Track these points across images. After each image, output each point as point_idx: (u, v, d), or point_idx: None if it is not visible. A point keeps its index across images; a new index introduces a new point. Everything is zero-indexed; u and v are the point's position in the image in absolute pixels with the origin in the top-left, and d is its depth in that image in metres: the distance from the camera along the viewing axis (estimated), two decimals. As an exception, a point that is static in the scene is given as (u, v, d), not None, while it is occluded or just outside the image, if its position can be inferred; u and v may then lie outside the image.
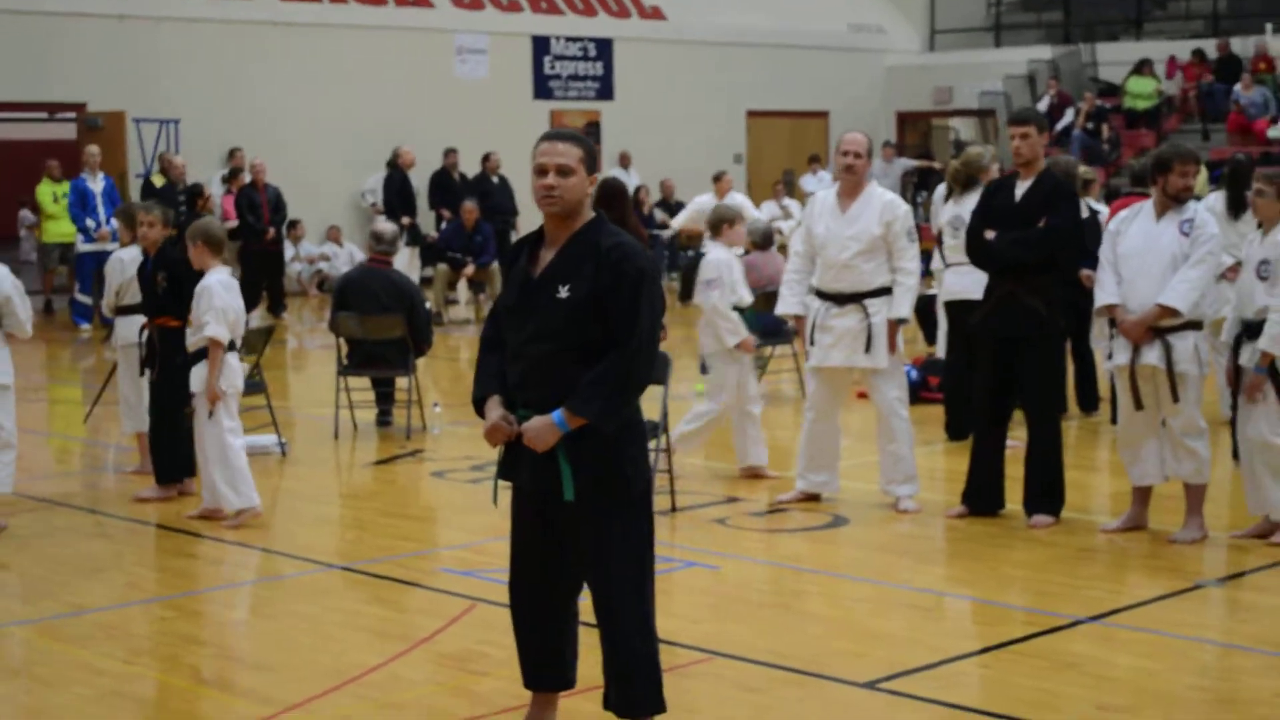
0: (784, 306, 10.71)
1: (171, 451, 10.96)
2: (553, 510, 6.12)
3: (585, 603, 6.29)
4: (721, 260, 11.47)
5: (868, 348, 10.30)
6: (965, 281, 11.79)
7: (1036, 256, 9.89)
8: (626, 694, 6.14)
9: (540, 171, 6.03)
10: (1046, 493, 10.04)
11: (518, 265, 6.17)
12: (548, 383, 6.00)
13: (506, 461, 6.20)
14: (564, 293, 5.96)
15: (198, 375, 10.25)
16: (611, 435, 5.98)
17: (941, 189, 12.84)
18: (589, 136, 6.22)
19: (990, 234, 10.00)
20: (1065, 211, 9.95)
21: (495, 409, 6.12)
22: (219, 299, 10.17)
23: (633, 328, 5.92)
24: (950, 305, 12.46)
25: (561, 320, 5.97)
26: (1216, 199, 12.74)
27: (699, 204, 26.30)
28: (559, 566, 6.24)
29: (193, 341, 10.30)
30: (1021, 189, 10.02)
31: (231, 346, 10.29)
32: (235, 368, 10.34)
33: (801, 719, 6.76)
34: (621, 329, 5.93)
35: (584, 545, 6.10)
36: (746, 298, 11.64)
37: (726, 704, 6.94)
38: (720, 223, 11.63)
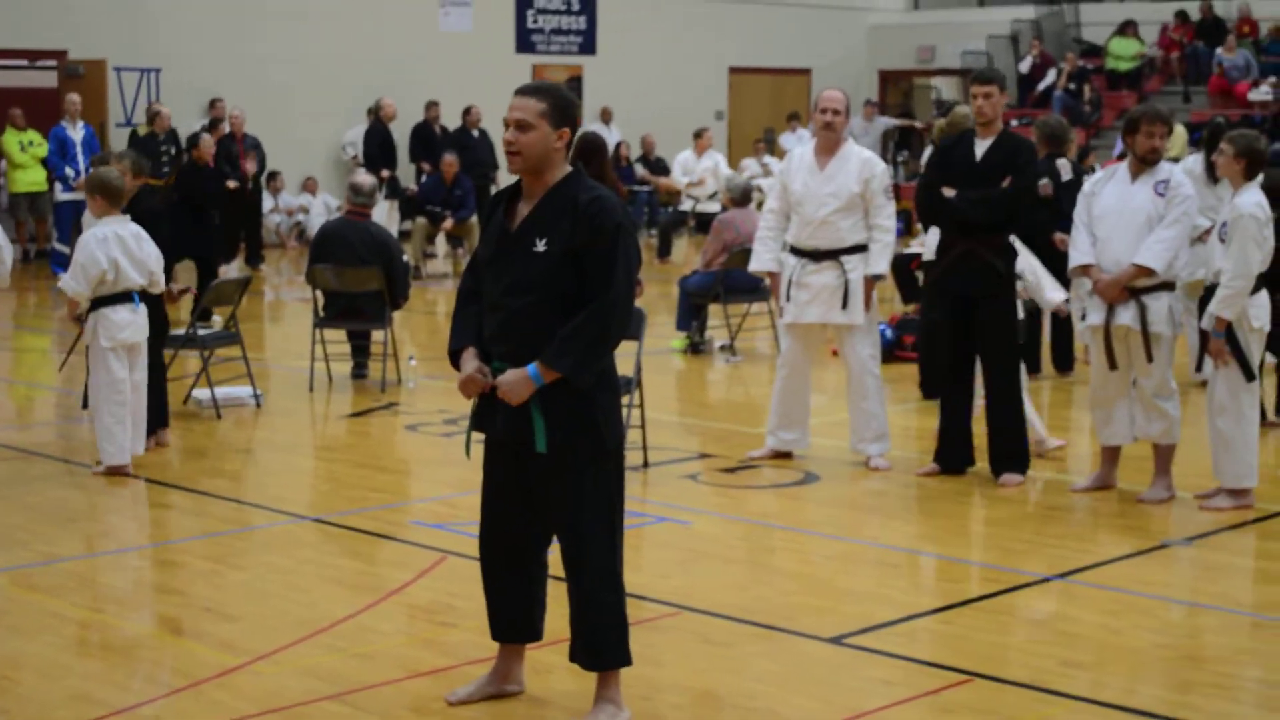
0: (758, 263, 10.73)
1: (154, 397, 10.94)
2: (524, 462, 6.14)
3: (554, 556, 6.33)
4: None
5: (844, 304, 10.33)
6: None
7: (1000, 217, 9.92)
8: (592, 646, 6.17)
9: (505, 125, 6.07)
10: (1011, 452, 10.08)
11: (495, 218, 6.18)
12: (523, 335, 6.01)
13: (480, 413, 6.22)
14: (541, 246, 5.97)
15: (87, 326, 10.30)
16: (585, 389, 6.01)
17: (930, 151, 12.85)
18: (569, 90, 6.17)
19: (949, 191, 10.02)
20: (1029, 173, 9.98)
21: (470, 361, 6.14)
22: (82, 253, 10.19)
23: (609, 282, 5.94)
24: (930, 265, 12.43)
25: (538, 273, 5.98)
26: (1195, 161, 12.77)
27: (683, 162, 26.34)
28: (529, 519, 6.25)
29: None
30: (982, 148, 10.03)
31: (124, 299, 10.29)
32: (120, 322, 10.29)
33: (768, 673, 6.80)
34: (597, 283, 5.94)
35: (555, 497, 6.12)
36: None
37: (694, 658, 6.98)
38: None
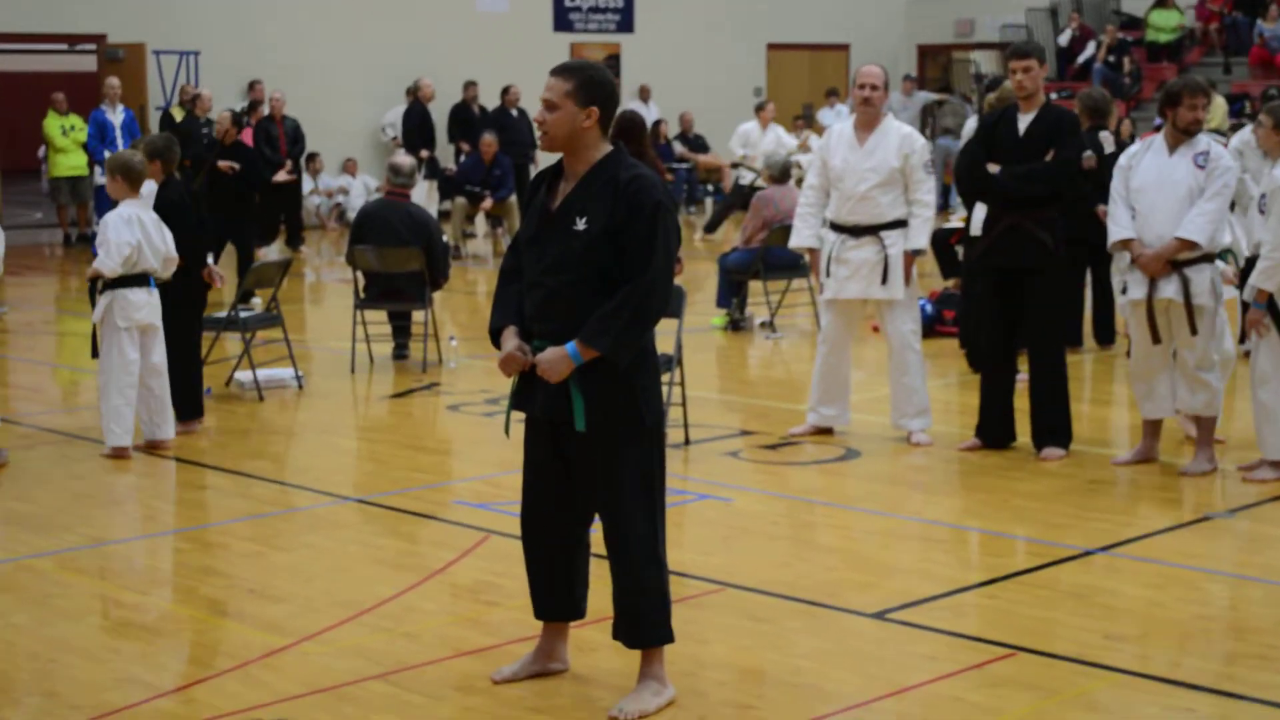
0: (798, 239, 10.73)
1: (187, 387, 11.00)
2: (565, 440, 6.16)
3: (596, 534, 6.35)
4: None
5: (884, 279, 10.32)
6: None
7: (1046, 190, 9.89)
8: (635, 623, 6.19)
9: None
10: (1054, 427, 10.07)
11: (537, 197, 6.19)
12: (564, 314, 6.02)
13: (520, 392, 6.23)
14: (581, 224, 5.98)
15: (100, 306, 10.34)
16: (627, 368, 6.02)
17: (971, 123, 12.79)
18: (605, 68, 6.18)
19: (994, 167, 10.00)
20: (1072, 145, 9.95)
21: (511, 339, 6.15)
22: (113, 231, 10.25)
23: (648, 260, 5.94)
24: (974, 239, 12.38)
25: (578, 252, 5.99)
26: (1248, 132, 12.73)
27: (745, 133, 26.00)
28: (570, 497, 6.27)
29: (88, 271, 10.40)
30: (1024, 122, 10.01)
31: (141, 280, 10.35)
32: (137, 302, 10.37)
33: (812, 649, 6.81)
34: (637, 262, 5.94)
35: (596, 476, 6.14)
36: None
37: (737, 634, 7.00)
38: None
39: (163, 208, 10.68)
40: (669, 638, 6.23)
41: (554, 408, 6.09)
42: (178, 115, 22.39)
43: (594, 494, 6.20)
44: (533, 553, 6.41)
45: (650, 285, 5.94)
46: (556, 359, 5.98)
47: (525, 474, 6.36)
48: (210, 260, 11.32)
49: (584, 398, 6.02)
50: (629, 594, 6.17)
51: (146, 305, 10.39)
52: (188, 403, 11.04)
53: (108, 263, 10.22)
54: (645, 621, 6.17)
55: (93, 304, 10.50)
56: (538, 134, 6.10)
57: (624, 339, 5.94)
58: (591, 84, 6.02)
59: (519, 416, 6.35)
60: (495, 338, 6.26)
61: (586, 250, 5.98)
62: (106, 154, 21.75)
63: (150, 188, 10.87)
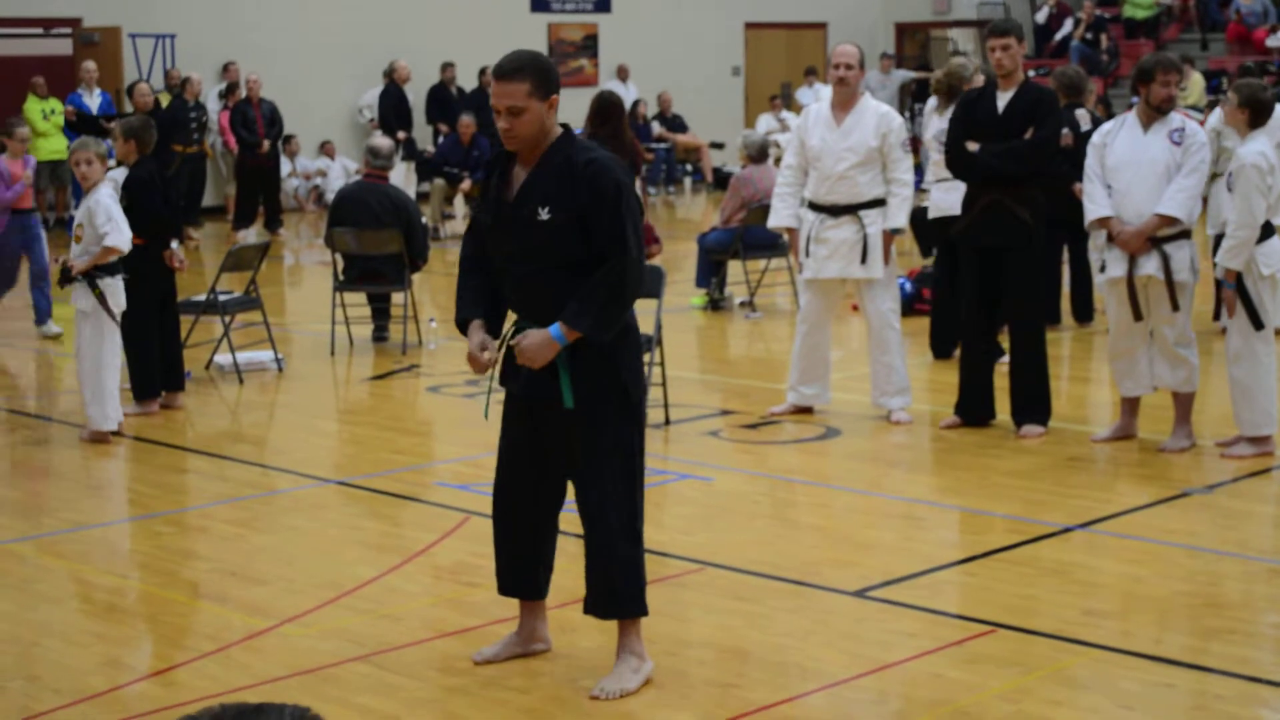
0: (776, 219, 10.74)
1: (144, 366, 11.00)
2: (545, 419, 6.18)
3: (568, 514, 6.36)
4: None
5: (863, 258, 10.34)
6: (952, 198, 11.76)
7: (1025, 168, 9.92)
8: (610, 595, 6.19)
9: (494, 112, 6.06)
10: (1033, 404, 10.10)
11: (489, 184, 6.21)
12: (538, 299, 6.06)
13: (506, 371, 6.26)
14: (545, 214, 5.99)
15: (84, 293, 10.34)
16: (610, 345, 6.05)
17: (932, 101, 12.82)
18: (536, 51, 6.15)
19: (973, 145, 10.02)
20: (1051, 123, 9.98)
21: (475, 334, 6.20)
22: (115, 210, 10.29)
23: (622, 241, 5.96)
24: (938, 222, 12.38)
25: (543, 241, 6.01)
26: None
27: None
28: (545, 475, 6.30)
29: (93, 255, 10.32)
30: (1003, 100, 10.03)
31: (119, 269, 10.39)
32: (121, 289, 10.44)
33: (793, 628, 6.83)
34: (609, 243, 5.97)
35: (577, 451, 6.14)
36: None
37: (719, 613, 7.02)
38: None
39: (132, 185, 10.68)
40: (643, 610, 6.23)
41: (541, 386, 6.10)
42: (164, 100, 22.32)
43: (571, 472, 6.21)
44: (503, 529, 6.42)
45: (626, 265, 5.97)
46: (541, 342, 6.00)
47: (501, 450, 6.37)
48: (175, 244, 11.26)
49: (570, 375, 6.04)
50: (603, 566, 6.17)
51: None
52: (143, 383, 11.02)
53: (122, 239, 10.22)
54: (619, 594, 6.18)
55: (64, 285, 10.47)
56: (504, 139, 6.04)
57: (605, 319, 5.97)
58: (544, 74, 5.99)
59: (498, 398, 6.36)
60: (463, 329, 6.30)
61: (552, 239, 6.00)
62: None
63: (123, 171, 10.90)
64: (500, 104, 5.97)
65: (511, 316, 6.29)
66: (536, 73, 5.98)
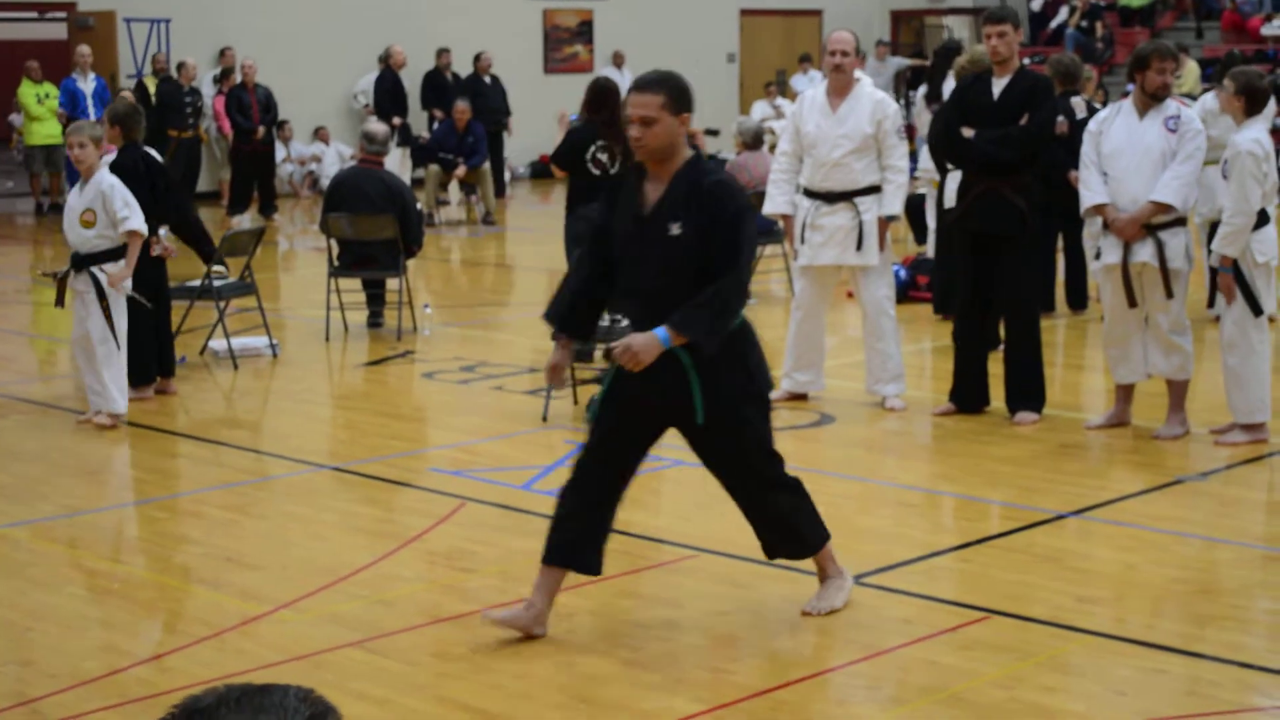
0: (772, 206, 10.73)
1: (138, 353, 10.99)
2: (664, 422, 6.60)
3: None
4: None
5: (859, 245, 10.34)
6: None
7: (1020, 155, 9.92)
8: (797, 542, 6.79)
9: (628, 122, 6.41)
10: (1027, 391, 10.11)
11: (621, 197, 6.55)
12: (658, 307, 6.36)
13: (622, 376, 6.49)
14: (675, 230, 6.36)
15: (92, 281, 10.34)
16: (739, 350, 6.45)
17: (923, 89, 12.79)
18: (679, 74, 6.53)
19: (968, 132, 10.02)
20: (1046, 110, 9.98)
21: (559, 351, 6.75)
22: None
23: (735, 258, 6.33)
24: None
25: (676, 255, 6.37)
26: (1212, 98, 12.75)
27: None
28: (631, 463, 6.64)
29: (111, 241, 10.32)
30: (998, 87, 10.03)
31: (120, 254, 10.40)
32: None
33: (788, 614, 6.83)
34: (723, 261, 6.32)
35: (723, 450, 6.64)
36: None
37: (715, 599, 7.03)
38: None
39: (115, 172, 10.66)
40: (825, 537, 6.82)
41: (672, 394, 6.43)
42: (150, 85, 22.30)
43: (722, 463, 6.70)
44: (574, 496, 6.59)
45: (737, 281, 6.35)
46: (648, 344, 6.31)
47: (599, 427, 6.59)
48: (162, 231, 11.26)
49: (704, 388, 6.39)
50: (783, 520, 6.74)
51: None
52: (138, 369, 11.01)
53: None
54: (805, 537, 6.78)
55: (56, 276, 10.47)
56: (634, 148, 6.39)
57: (714, 328, 6.35)
58: (680, 92, 6.41)
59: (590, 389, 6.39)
60: (549, 321, 6.77)
61: (683, 253, 6.36)
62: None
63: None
64: (635, 113, 6.37)
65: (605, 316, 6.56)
66: (672, 89, 6.40)
